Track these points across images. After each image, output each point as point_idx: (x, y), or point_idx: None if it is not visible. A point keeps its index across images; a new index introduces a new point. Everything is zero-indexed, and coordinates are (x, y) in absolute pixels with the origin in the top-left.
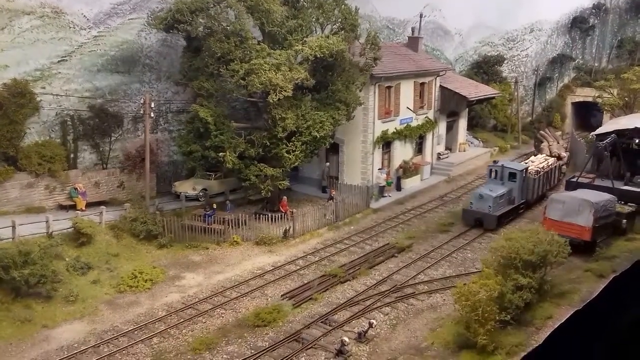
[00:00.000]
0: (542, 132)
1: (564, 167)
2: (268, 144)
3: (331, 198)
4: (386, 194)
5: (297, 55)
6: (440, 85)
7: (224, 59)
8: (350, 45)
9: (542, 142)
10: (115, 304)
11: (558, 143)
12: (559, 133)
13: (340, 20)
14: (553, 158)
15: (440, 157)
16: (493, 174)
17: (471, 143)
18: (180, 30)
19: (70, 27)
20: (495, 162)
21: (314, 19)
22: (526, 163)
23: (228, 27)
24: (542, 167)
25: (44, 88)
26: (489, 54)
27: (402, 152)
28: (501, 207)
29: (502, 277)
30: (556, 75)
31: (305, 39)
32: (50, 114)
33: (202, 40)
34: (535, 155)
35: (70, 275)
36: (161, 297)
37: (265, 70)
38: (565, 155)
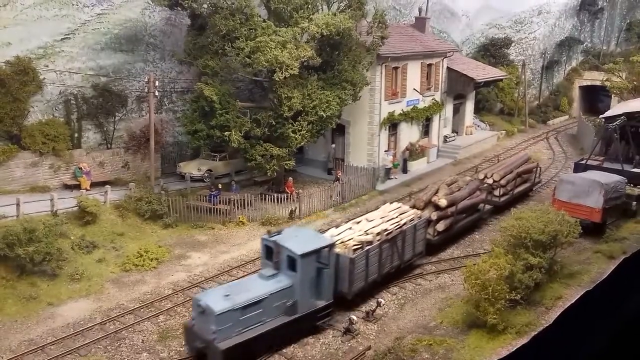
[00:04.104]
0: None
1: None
2: (274, 123)
3: (337, 179)
4: (392, 176)
5: (303, 33)
6: (447, 67)
7: (229, 36)
8: (357, 24)
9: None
10: (121, 282)
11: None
12: (565, 118)
13: None
14: (414, 210)
15: (447, 140)
16: (271, 253)
17: (478, 126)
18: (185, 7)
19: (73, 4)
20: (269, 233)
21: None
22: (358, 222)
23: (233, 4)
24: (382, 232)
25: (47, 66)
26: (496, 37)
27: (409, 134)
28: (247, 328)
29: (512, 256)
30: (564, 58)
31: (311, 16)
32: (54, 93)
33: (206, 18)
34: (391, 204)
35: (76, 253)
36: (167, 276)
37: (271, 47)
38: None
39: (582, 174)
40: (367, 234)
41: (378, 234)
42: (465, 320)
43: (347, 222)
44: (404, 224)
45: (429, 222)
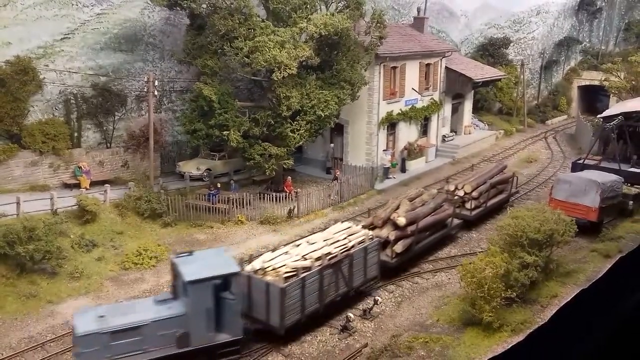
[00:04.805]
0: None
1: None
2: (272, 122)
3: (335, 179)
4: (391, 176)
5: (302, 33)
6: (445, 67)
7: (228, 36)
8: (356, 24)
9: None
10: (120, 280)
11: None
12: (563, 118)
13: None
14: (364, 230)
15: (445, 139)
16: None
17: (476, 126)
18: (184, 7)
19: (73, 4)
20: (179, 253)
21: None
22: (298, 245)
23: (232, 4)
24: (323, 257)
25: (47, 66)
26: (495, 37)
27: (407, 133)
28: (120, 355)
29: (508, 255)
30: (562, 58)
31: (309, 16)
32: (54, 92)
33: (205, 18)
34: (342, 223)
35: (75, 252)
36: (166, 274)
37: (270, 47)
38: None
39: (579, 173)
40: (305, 259)
41: (318, 258)
42: (461, 318)
43: (285, 245)
44: (352, 246)
45: (386, 243)
